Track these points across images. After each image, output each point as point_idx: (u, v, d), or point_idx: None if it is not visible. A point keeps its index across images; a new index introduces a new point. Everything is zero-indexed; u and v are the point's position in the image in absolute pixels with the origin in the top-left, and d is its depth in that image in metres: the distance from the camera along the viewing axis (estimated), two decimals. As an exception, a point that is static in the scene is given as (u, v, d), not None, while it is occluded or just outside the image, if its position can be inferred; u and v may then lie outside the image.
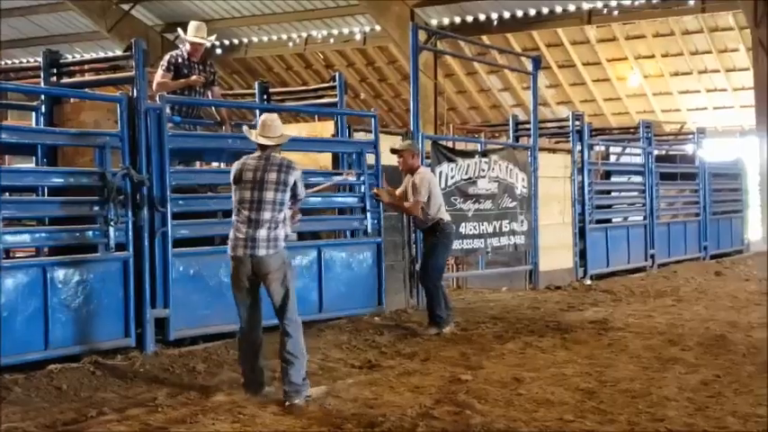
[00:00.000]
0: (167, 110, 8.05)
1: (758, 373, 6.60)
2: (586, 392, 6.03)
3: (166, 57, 9.09)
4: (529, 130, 13.42)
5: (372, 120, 9.92)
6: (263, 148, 6.12)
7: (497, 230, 11.62)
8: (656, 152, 16.02)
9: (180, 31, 9.44)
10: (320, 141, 9.79)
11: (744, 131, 25.08)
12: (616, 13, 22.82)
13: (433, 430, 5.15)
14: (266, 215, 5.95)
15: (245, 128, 6.97)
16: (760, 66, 21.35)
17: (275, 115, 6.49)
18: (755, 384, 6.20)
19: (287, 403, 5.73)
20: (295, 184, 6.09)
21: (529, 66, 13.39)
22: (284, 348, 5.91)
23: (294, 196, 6.16)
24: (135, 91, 7.62)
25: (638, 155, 15.84)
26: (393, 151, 9.14)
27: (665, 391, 5.99)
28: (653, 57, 25.12)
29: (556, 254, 12.78)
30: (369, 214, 9.43)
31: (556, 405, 5.71)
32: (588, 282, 12.99)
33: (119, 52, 13.93)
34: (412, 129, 10.46)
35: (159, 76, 8.88)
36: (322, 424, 5.27)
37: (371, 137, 9.84)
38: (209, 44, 8.35)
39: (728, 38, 23.84)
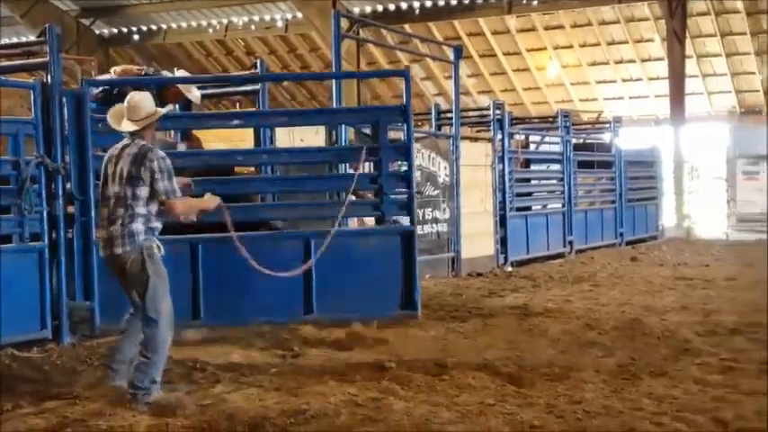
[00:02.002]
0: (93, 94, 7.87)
1: (672, 355, 6.78)
2: (507, 376, 6.11)
3: None
4: (451, 118, 13.53)
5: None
6: (131, 133, 5.64)
7: (420, 219, 11.68)
8: (573, 141, 16.30)
9: None
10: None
11: (658, 120, 25.73)
12: (536, 3, 23.17)
13: (355, 417, 5.15)
14: (120, 211, 5.51)
15: (109, 113, 5.90)
16: (674, 56, 21.94)
17: (142, 94, 5.94)
18: (670, 367, 6.36)
19: (130, 403, 5.41)
20: (153, 176, 5.47)
21: (450, 55, 13.47)
22: (142, 345, 5.54)
23: (153, 191, 5.53)
24: (49, 77, 7.44)
25: (557, 143, 16.09)
26: None
27: (583, 374, 6.10)
28: (571, 47, 25.57)
29: (477, 241, 12.91)
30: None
31: (477, 389, 5.77)
32: (509, 268, 13.18)
33: (32, 38, 13.56)
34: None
35: None
36: (245, 413, 5.22)
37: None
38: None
39: (644, 28, 24.43)
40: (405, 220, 9.14)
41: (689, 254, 15.58)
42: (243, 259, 6.64)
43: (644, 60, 25.41)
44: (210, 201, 6.12)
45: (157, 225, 5.67)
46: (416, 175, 11.59)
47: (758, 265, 12.98)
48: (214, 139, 9.71)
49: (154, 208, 5.60)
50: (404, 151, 9.03)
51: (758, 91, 25.14)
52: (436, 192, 11.96)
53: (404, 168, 9.06)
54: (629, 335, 7.62)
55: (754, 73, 24.69)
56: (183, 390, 5.84)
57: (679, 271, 12.69)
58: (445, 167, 12.20)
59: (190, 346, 7.05)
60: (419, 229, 11.61)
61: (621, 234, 17.28)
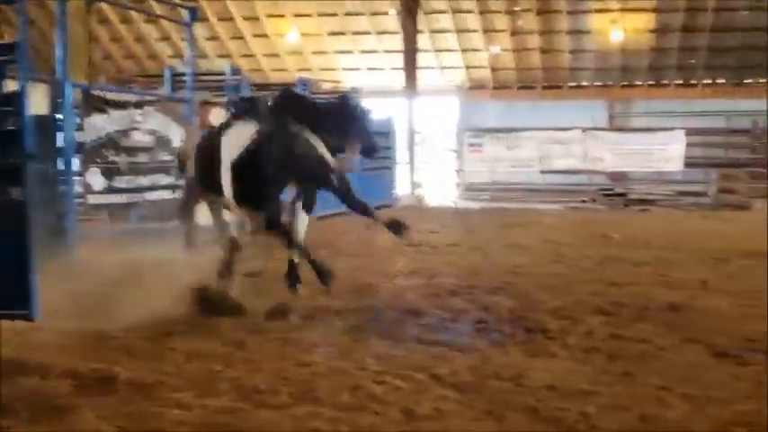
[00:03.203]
0: None
1: (400, 317, 7.08)
2: (236, 342, 6.13)
3: None
4: (186, 82, 13.24)
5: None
6: None
7: (153, 185, 11.38)
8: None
9: None
10: None
11: (393, 92, 26.60)
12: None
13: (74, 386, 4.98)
14: None
15: None
16: (407, 30, 22.77)
17: None
18: (396, 328, 6.65)
19: None
20: None
21: (186, 16, 13.15)
22: None
23: None
24: None
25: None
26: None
27: (313, 338, 6.25)
28: (311, 15, 25.77)
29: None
30: None
31: (205, 356, 5.75)
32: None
33: None
34: (59, 77, 9.89)
35: None
36: None
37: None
38: None
39: (380, 1, 25.10)
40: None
41: (420, 221, 16.29)
42: None
43: (380, 33, 26.13)
44: None
45: None
46: (148, 139, 11.34)
47: (479, 231, 13.87)
48: None
49: None
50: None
51: (485, 67, 26.65)
52: (170, 157, 11.68)
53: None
54: (362, 299, 7.87)
55: (480, 49, 26.12)
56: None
57: (409, 237, 13.20)
58: (180, 132, 11.93)
59: None
60: (151, 196, 11.35)
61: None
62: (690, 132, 22.85)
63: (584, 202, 22.15)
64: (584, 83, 26.56)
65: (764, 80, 25.27)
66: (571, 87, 26.55)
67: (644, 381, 5.30)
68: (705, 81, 25.79)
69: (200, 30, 23.82)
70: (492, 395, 5.00)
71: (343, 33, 26.27)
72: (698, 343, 6.33)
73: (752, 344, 6.26)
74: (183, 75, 13.94)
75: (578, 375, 5.44)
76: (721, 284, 8.92)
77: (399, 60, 24.11)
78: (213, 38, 26.65)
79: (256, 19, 25.88)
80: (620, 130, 23.92)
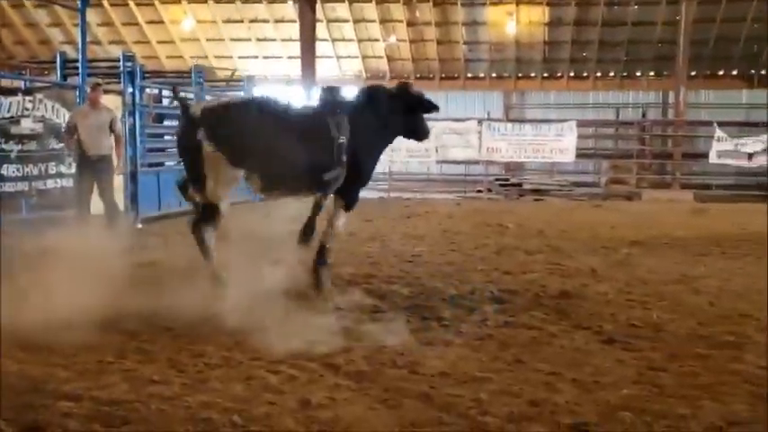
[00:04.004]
0: None
1: (296, 306, 7.02)
2: (129, 334, 6.02)
3: None
4: (78, 68, 12.88)
5: None
6: None
7: (43, 173, 11.05)
8: (208, 97, 16.26)
9: None
10: None
11: (291, 81, 26.49)
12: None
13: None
14: None
15: None
16: (305, 19, 22.67)
17: None
18: (292, 318, 6.61)
19: None
20: None
21: (78, 1, 12.77)
22: None
23: None
24: None
25: (191, 99, 15.94)
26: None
27: (205, 330, 6.17)
28: (206, 2, 25.43)
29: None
30: None
31: (96, 348, 5.62)
32: (139, 225, 12.89)
33: None
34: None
35: None
36: None
37: None
38: None
39: (278, -10, 24.94)
40: None
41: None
42: None
43: (277, 21, 25.96)
44: None
45: None
46: (38, 127, 11.00)
47: (376, 221, 13.94)
48: None
49: None
50: None
51: (382, 57, 26.77)
52: (60, 145, 11.35)
53: None
54: (257, 286, 7.77)
55: (378, 40, 26.23)
56: None
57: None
58: (70, 119, 11.59)
59: None
60: (41, 184, 11.01)
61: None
62: (582, 124, 23.44)
63: (480, 192, 22.51)
64: (481, 74, 26.97)
65: (653, 73, 26.16)
66: (468, 78, 26.93)
67: (535, 367, 5.42)
68: (597, 74, 26.51)
69: (92, 15, 23.21)
70: (387, 383, 5.04)
71: (240, 21, 26.01)
72: (587, 329, 6.51)
73: (637, 330, 6.48)
74: (75, 61, 13.54)
75: (472, 362, 5.53)
76: (610, 273, 9.19)
77: (297, 49, 23.99)
78: (106, 24, 26.05)
79: (151, 5, 25.39)
80: (516, 121, 24.35)
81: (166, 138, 15.65)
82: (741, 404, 4.69)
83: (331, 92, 7.81)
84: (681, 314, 7.10)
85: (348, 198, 7.61)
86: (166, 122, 15.88)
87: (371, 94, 7.83)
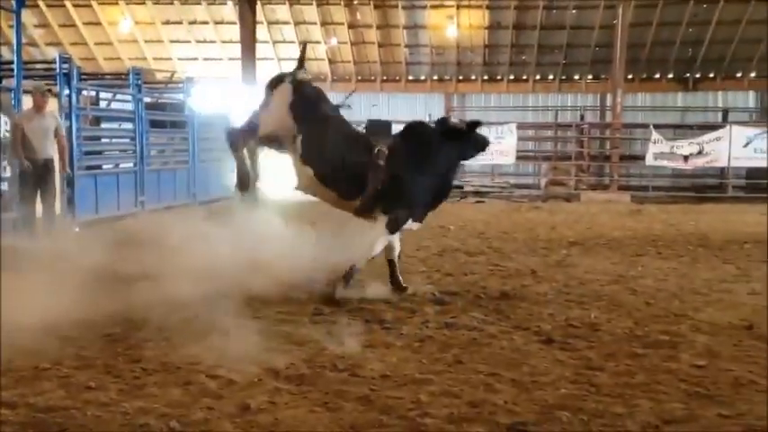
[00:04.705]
0: None
1: (236, 310, 6.97)
2: (66, 339, 5.92)
3: None
4: (13, 70, 12.60)
5: None
6: None
7: (-24, 176, 10.80)
8: (146, 99, 16.07)
9: None
10: None
11: (232, 83, 26.28)
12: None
13: None
14: None
15: None
16: (245, 21, 22.53)
17: None
18: (231, 322, 6.55)
19: None
20: None
21: (13, 2, 12.49)
22: None
23: None
24: None
25: (129, 102, 15.74)
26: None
27: (144, 334, 6.10)
28: (144, 3, 25.12)
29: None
30: None
31: (33, 354, 5.51)
32: (76, 229, 12.67)
33: None
34: None
35: None
36: None
37: None
38: None
39: (217, -9, 24.76)
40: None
41: (260, 213, 16.12)
42: None
43: (217, 23, 25.77)
44: None
45: None
46: (-30, 129, 10.74)
47: (320, 223, 13.88)
48: None
49: None
50: None
51: (323, 59, 26.72)
52: (-6, 148, 11.10)
53: None
54: (197, 291, 7.70)
55: (319, 42, 26.17)
56: None
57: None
58: (6, 122, 11.35)
59: None
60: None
61: (194, 194, 17.41)
62: (522, 126, 23.70)
63: (421, 194, 22.54)
64: (422, 77, 27.08)
65: (591, 77, 26.55)
66: (409, 81, 27.03)
67: (474, 368, 5.47)
68: (536, 77, 26.82)
69: (29, 16, 22.80)
70: (327, 386, 5.03)
71: (179, 22, 25.75)
72: (526, 330, 6.59)
73: (575, 330, 6.57)
74: (10, 63, 13.26)
75: (412, 364, 5.55)
76: (549, 273, 9.31)
77: (237, 51, 23.84)
78: (43, 25, 25.59)
79: (88, 6, 25.00)
80: (457, 123, 24.41)
81: (104, 140, 15.42)
82: (676, 403, 4.78)
83: (377, 124, 8.38)
84: (618, 314, 7.22)
85: (391, 217, 7.83)
86: (104, 125, 15.64)
87: (410, 129, 8.46)
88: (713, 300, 7.93)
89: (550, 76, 26.71)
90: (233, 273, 8.66)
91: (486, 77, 26.88)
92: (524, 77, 26.78)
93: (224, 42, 26.09)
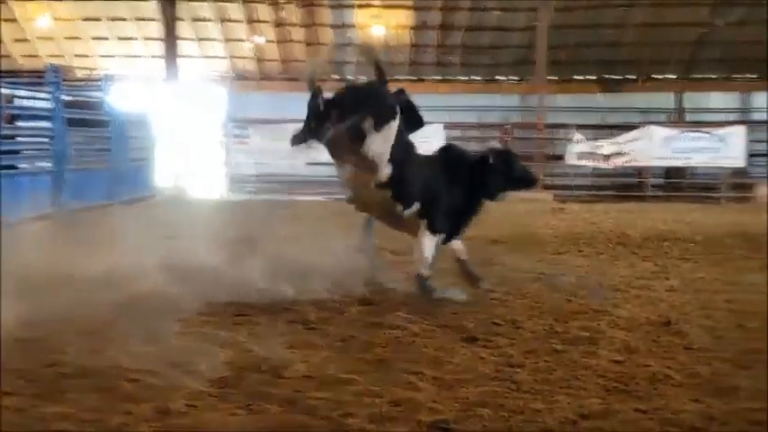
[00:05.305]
0: None
1: (157, 314, 6.84)
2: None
3: None
4: None
5: None
6: None
7: None
8: (66, 98, 15.70)
9: None
10: None
11: (154, 80, 25.90)
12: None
13: None
14: None
15: None
16: (167, 17, 22.23)
17: None
18: (152, 325, 6.44)
19: None
20: None
21: None
22: None
23: None
24: None
25: (47, 100, 15.36)
26: None
27: (60, 338, 5.95)
28: (64, -1, 24.64)
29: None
30: None
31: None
32: (-9, 230, 12.32)
33: None
34: None
35: None
36: None
37: None
38: None
39: (139, -13, 24.39)
40: None
41: (182, 214, 15.93)
42: None
43: (139, 19, 25.35)
44: None
45: None
46: None
47: (248, 223, 13.76)
48: None
49: None
50: None
51: (249, 57, 26.53)
52: None
53: None
54: (116, 293, 7.56)
55: (244, 40, 25.97)
56: None
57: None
58: None
59: None
60: None
61: (116, 194, 17.08)
62: (448, 127, 23.87)
63: (349, 193, 22.54)
64: (349, 77, 27.05)
65: (515, 78, 26.90)
66: (336, 81, 26.95)
67: (398, 367, 5.47)
68: (462, 77, 27.07)
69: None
70: (250, 388, 4.98)
71: (99, 19, 25.26)
72: (450, 328, 6.63)
73: (497, 327, 6.64)
74: None
75: (336, 364, 5.53)
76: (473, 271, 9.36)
77: (160, 48, 23.50)
78: (-44, 21, 24.84)
79: (3, 2, 24.32)
80: (383, 123, 24.49)
81: (20, 139, 15.02)
82: (594, 398, 4.85)
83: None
84: (539, 311, 7.32)
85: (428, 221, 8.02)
86: (21, 123, 15.25)
87: (445, 150, 8.60)
88: (632, 296, 8.10)
89: (476, 77, 26.96)
90: (152, 274, 8.54)
91: (412, 78, 26.99)
92: (450, 78, 26.98)
93: (146, 39, 25.68)
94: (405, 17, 25.45)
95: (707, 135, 23.04)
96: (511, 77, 26.95)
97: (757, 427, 4.37)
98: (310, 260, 9.53)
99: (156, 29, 24.24)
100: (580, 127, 23.53)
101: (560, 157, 23.64)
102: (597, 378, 5.26)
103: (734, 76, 26.74)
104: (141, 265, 8.64)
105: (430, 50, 26.32)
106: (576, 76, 26.97)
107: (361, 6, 25.14)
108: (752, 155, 24.44)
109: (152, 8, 24.57)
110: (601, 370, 5.43)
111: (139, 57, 26.21)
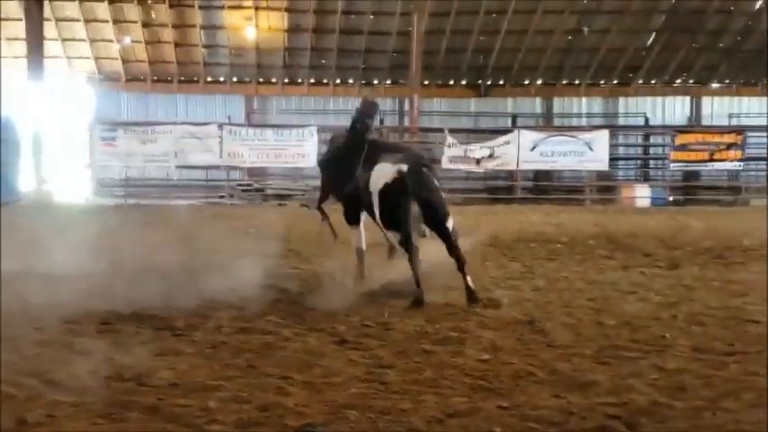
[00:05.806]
0: None
1: (18, 321, 6.58)
2: None
3: None
4: None
5: None
6: None
7: None
8: None
9: None
10: None
11: (17, 82, 24.94)
12: None
13: None
14: None
15: None
16: (32, 17, 21.45)
17: None
18: (12, 333, 6.19)
19: None
20: None
21: None
22: None
23: None
24: None
25: None
26: None
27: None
28: None
29: None
30: None
31: None
32: None
33: None
34: None
35: None
36: None
37: None
38: None
39: (0, -14, 23.42)
40: None
41: (44, 219, 15.42)
42: None
43: (1, 19, 24.35)
44: None
45: None
46: None
47: (115, 230, 13.43)
48: None
49: None
50: None
51: (116, 58, 25.84)
52: None
53: None
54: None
55: (111, 40, 25.29)
56: None
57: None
58: None
59: None
60: None
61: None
62: (322, 129, 23.90)
63: (222, 197, 22.31)
64: (221, 78, 26.76)
65: (389, 81, 27.16)
66: (208, 82, 26.64)
67: (267, 371, 5.41)
68: (336, 81, 27.13)
69: None
70: (112, 397, 4.83)
71: (-42, 18, 24.16)
72: (321, 331, 6.61)
73: (368, 329, 6.67)
74: None
75: (203, 371, 5.43)
76: (345, 274, 9.36)
77: (23, 48, 22.62)
78: None
79: None
80: (257, 126, 24.37)
81: None
82: (460, 397, 4.92)
83: None
84: (411, 312, 7.38)
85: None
86: None
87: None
88: (500, 296, 8.25)
89: (350, 80, 27.06)
90: (14, 279, 8.21)
91: (286, 80, 26.88)
92: (325, 81, 27.00)
93: (9, 39, 24.68)
94: (278, 19, 25.32)
95: (573, 139, 23.84)
96: (385, 81, 27.17)
97: (614, 420, 4.52)
98: (179, 265, 9.37)
99: (20, 29, 23.30)
100: (453, 131, 23.92)
101: (433, 161, 23.95)
102: (464, 377, 5.33)
103: (599, 82, 27.74)
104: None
105: (303, 53, 26.26)
106: (448, 81, 27.42)
107: (232, 8, 24.86)
108: (614, 158, 25.46)
109: (15, 7, 23.63)
110: (468, 369, 5.51)
111: (2, 57, 25.16)
